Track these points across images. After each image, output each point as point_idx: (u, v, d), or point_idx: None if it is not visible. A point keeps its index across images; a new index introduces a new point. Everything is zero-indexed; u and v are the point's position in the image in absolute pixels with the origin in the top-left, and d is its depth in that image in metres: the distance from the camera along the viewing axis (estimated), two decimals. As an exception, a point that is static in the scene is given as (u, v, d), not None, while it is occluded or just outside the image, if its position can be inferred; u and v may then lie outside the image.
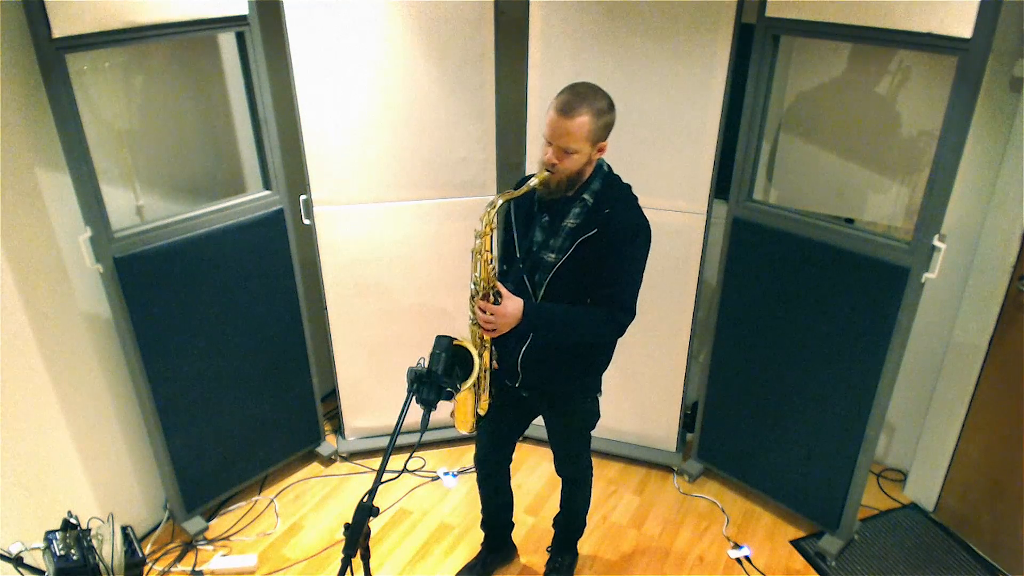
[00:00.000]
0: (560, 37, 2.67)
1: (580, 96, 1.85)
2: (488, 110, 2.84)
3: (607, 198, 1.99)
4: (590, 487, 2.53)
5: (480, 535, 2.77)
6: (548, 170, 1.91)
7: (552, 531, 2.70)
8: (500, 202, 1.91)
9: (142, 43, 2.44)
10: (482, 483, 2.57)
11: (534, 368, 2.14)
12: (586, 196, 1.98)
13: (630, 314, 2.04)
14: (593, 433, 2.38)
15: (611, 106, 1.91)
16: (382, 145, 2.81)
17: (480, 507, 2.65)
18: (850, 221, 2.77)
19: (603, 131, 1.90)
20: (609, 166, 2.05)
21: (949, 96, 2.13)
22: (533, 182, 1.93)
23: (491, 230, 1.93)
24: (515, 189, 1.95)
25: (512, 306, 1.96)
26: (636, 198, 2.05)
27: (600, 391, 2.28)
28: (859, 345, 2.50)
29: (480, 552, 2.75)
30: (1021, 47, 2.44)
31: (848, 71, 2.78)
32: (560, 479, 2.52)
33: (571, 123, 1.83)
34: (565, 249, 1.99)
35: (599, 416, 2.33)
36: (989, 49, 2.04)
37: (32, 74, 2.15)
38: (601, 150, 1.94)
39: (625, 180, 2.06)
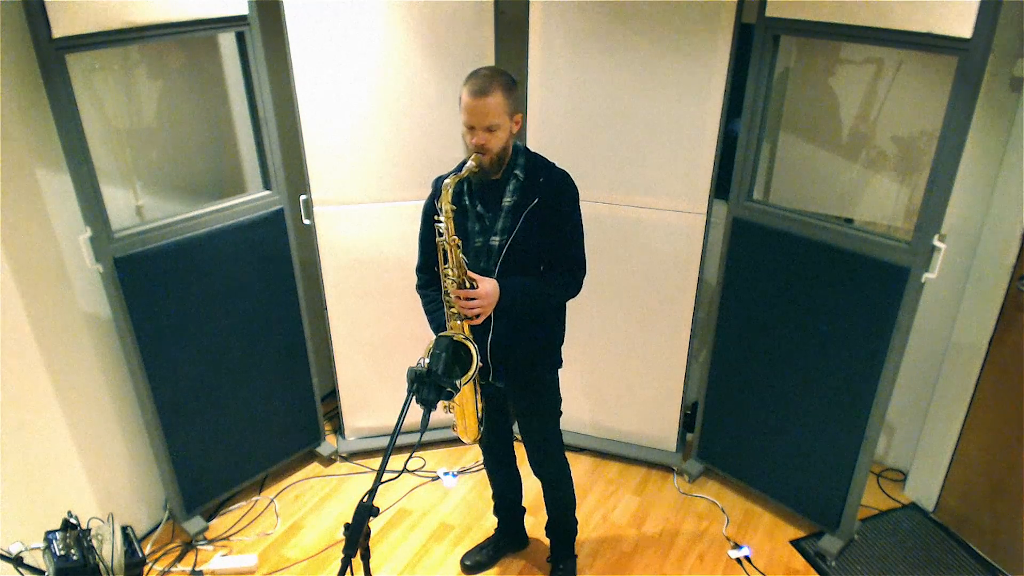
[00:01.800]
0: (560, 37, 2.67)
1: (487, 78, 1.97)
2: (488, 110, 2.84)
3: (535, 168, 2.10)
4: (571, 484, 2.55)
5: (480, 534, 2.76)
6: (479, 152, 1.99)
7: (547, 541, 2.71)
8: (452, 187, 1.98)
9: (142, 43, 2.44)
10: (489, 471, 2.64)
11: (502, 355, 2.18)
12: (517, 172, 2.08)
13: (584, 269, 2.19)
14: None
15: (514, 81, 2.04)
16: (382, 145, 2.81)
17: (490, 495, 2.72)
18: (850, 221, 2.77)
19: (516, 103, 2.03)
20: (524, 144, 2.13)
21: (949, 96, 2.13)
22: (470, 164, 1.99)
23: (452, 212, 1.99)
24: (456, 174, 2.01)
25: (490, 285, 2.03)
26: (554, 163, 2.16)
27: (561, 363, 2.32)
28: (859, 345, 2.50)
29: (493, 535, 2.79)
30: (1021, 47, 2.44)
31: (848, 71, 2.78)
32: (540, 484, 2.53)
33: (487, 102, 1.94)
34: (509, 228, 2.06)
35: (561, 399, 2.38)
36: (989, 49, 2.04)
37: (32, 74, 2.15)
38: (517, 122, 2.04)
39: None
